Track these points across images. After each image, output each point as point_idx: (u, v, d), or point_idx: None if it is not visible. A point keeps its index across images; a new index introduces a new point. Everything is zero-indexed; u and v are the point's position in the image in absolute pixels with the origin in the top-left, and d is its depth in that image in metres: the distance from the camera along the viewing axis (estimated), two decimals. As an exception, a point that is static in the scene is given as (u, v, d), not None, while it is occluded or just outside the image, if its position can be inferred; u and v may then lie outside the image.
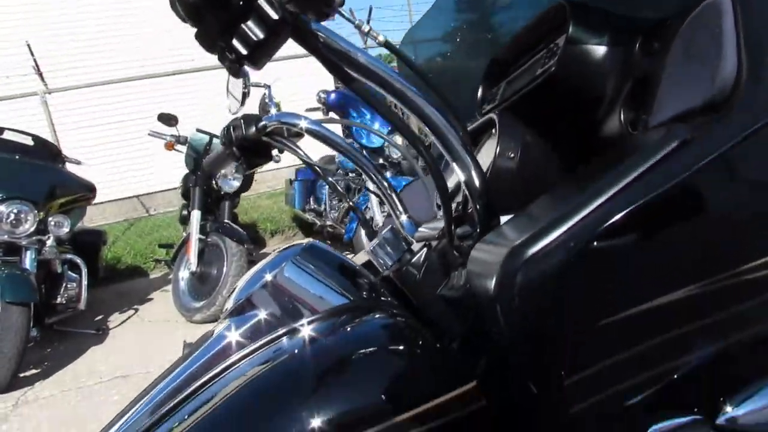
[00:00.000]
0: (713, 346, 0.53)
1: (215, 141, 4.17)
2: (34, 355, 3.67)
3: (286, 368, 0.60)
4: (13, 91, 6.35)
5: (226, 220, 4.25)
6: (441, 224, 0.77)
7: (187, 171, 4.42)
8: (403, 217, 0.84)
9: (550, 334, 0.48)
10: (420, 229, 0.82)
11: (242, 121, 0.99)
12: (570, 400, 0.51)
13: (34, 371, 3.54)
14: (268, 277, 0.74)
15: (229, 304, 0.76)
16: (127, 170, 8.09)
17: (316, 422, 0.54)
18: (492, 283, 0.48)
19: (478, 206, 0.63)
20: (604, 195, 0.46)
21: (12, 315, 3.17)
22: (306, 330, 0.64)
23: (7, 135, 3.87)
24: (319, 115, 4.49)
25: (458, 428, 0.58)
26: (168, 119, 4.22)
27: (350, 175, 4.58)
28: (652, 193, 0.46)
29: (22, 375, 3.40)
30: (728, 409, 0.54)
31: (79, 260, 3.86)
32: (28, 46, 6.40)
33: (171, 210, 7.88)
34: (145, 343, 3.79)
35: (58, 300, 3.86)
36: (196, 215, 4.02)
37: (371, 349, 0.62)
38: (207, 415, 0.58)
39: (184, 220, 4.44)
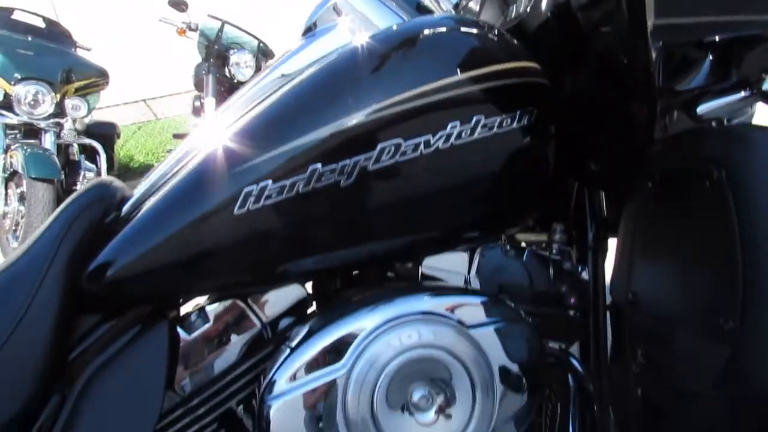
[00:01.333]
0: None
1: (227, 27, 4.11)
2: (60, 238, 3.78)
3: (351, 53, 0.66)
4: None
5: (240, 109, 4.25)
6: None
7: (200, 60, 4.38)
8: None
9: None
10: None
11: None
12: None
13: (61, 250, 3.67)
14: None
15: (304, 25, 0.81)
16: (133, 72, 7.95)
17: (381, 91, 0.60)
18: None
19: None
20: None
21: (38, 191, 3.26)
22: (370, 34, 0.69)
23: (18, 15, 3.81)
24: None
25: (518, 94, 0.64)
26: (178, 4, 4.12)
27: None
28: None
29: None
30: None
31: (96, 144, 3.92)
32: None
33: (179, 114, 7.83)
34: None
35: (79, 185, 3.94)
36: (210, 102, 4.01)
37: (440, 29, 0.66)
38: (274, 102, 0.66)
39: (198, 111, 4.45)
